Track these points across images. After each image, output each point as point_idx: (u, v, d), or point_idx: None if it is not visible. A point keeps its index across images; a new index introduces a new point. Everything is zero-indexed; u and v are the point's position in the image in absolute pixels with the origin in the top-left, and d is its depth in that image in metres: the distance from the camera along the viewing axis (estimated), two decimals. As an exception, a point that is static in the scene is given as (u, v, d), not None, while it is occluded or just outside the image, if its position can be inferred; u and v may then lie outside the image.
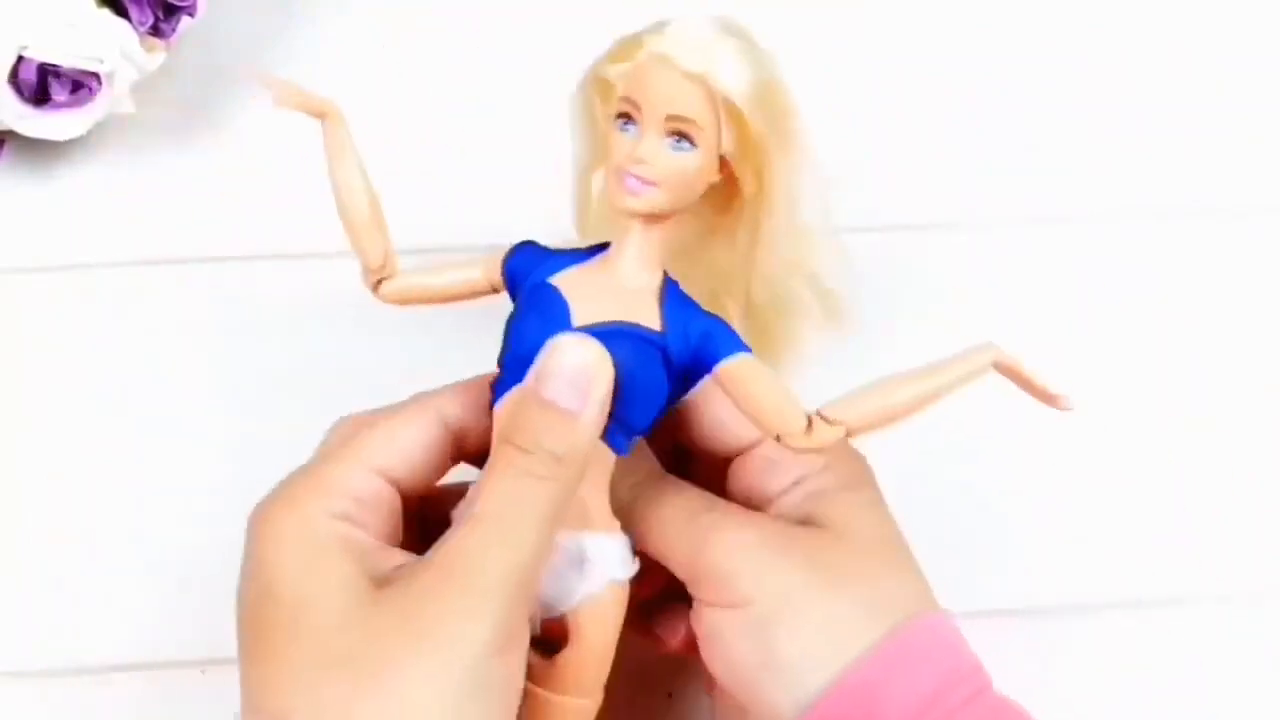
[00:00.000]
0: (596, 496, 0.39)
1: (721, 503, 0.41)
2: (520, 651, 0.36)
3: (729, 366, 0.39)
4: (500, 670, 0.35)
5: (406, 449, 0.40)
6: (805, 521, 0.40)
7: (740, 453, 0.42)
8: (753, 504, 0.42)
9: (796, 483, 0.41)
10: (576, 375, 0.37)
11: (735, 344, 0.39)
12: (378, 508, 0.38)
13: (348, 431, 0.40)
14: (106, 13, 0.53)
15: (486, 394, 0.40)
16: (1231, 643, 0.50)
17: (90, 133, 0.54)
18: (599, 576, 0.39)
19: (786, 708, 0.38)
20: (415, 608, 0.35)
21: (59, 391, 0.52)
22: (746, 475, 0.42)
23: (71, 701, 0.48)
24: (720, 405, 0.41)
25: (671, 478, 0.42)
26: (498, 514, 0.36)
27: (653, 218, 0.39)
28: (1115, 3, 0.61)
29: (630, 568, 0.40)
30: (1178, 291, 0.56)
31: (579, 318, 0.38)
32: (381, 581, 0.36)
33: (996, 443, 0.52)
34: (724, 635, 0.40)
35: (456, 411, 0.40)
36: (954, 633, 0.40)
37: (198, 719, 0.48)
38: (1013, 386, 0.52)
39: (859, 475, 0.42)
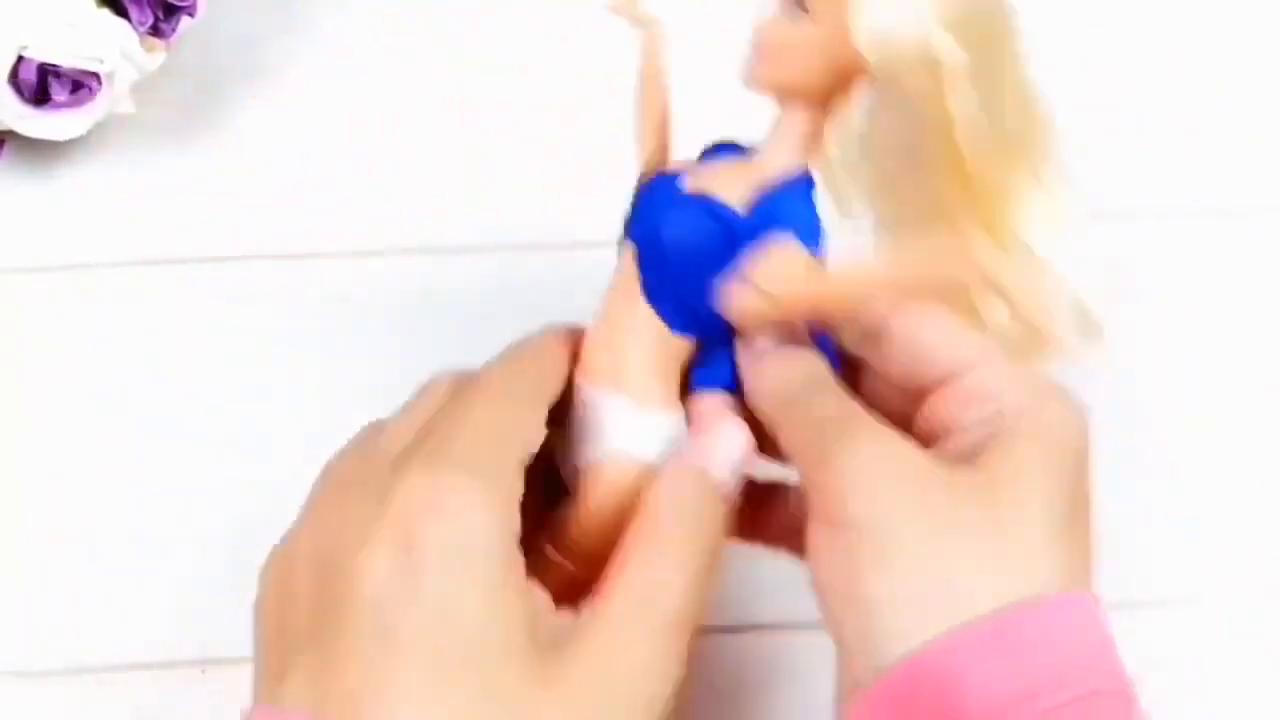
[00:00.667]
0: (641, 364, 0.38)
1: (863, 413, 0.36)
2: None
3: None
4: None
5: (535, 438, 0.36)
6: (970, 457, 0.35)
7: (938, 385, 0.37)
8: (936, 438, 0.37)
9: (987, 419, 0.36)
10: (737, 461, 0.37)
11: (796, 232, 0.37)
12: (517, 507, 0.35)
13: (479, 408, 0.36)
14: (106, 13, 0.53)
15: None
16: (1231, 643, 0.50)
17: (90, 133, 0.54)
18: (605, 442, 0.37)
19: (861, 660, 0.34)
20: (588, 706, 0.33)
21: (59, 391, 0.52)
22: (941, 409, 0.37)
23: (71, 701, 0.48)
24: (921, 329, 0.37)
25: (826, 381, 0.38)
26: (656, 601, 0.34)
27: (785, 98, 0.37)
28: (1115, 3, 0.61)
29: (650, 446, 0.38)
30: (1178, 291, 0.56)
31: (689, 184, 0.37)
32: (545, 641, 0.33)
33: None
34: (820, 554, 0.35)
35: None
36: (1084, 622, 0.34)
37: (197, 719, 0.48)
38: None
39: (1065, 432, 0.36)
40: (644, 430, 0.38)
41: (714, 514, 0.36)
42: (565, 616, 0.35)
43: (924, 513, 0.34)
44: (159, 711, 0.48)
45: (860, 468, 0.35)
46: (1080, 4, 0.61)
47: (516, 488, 0.34)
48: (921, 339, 0.37)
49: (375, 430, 0.38)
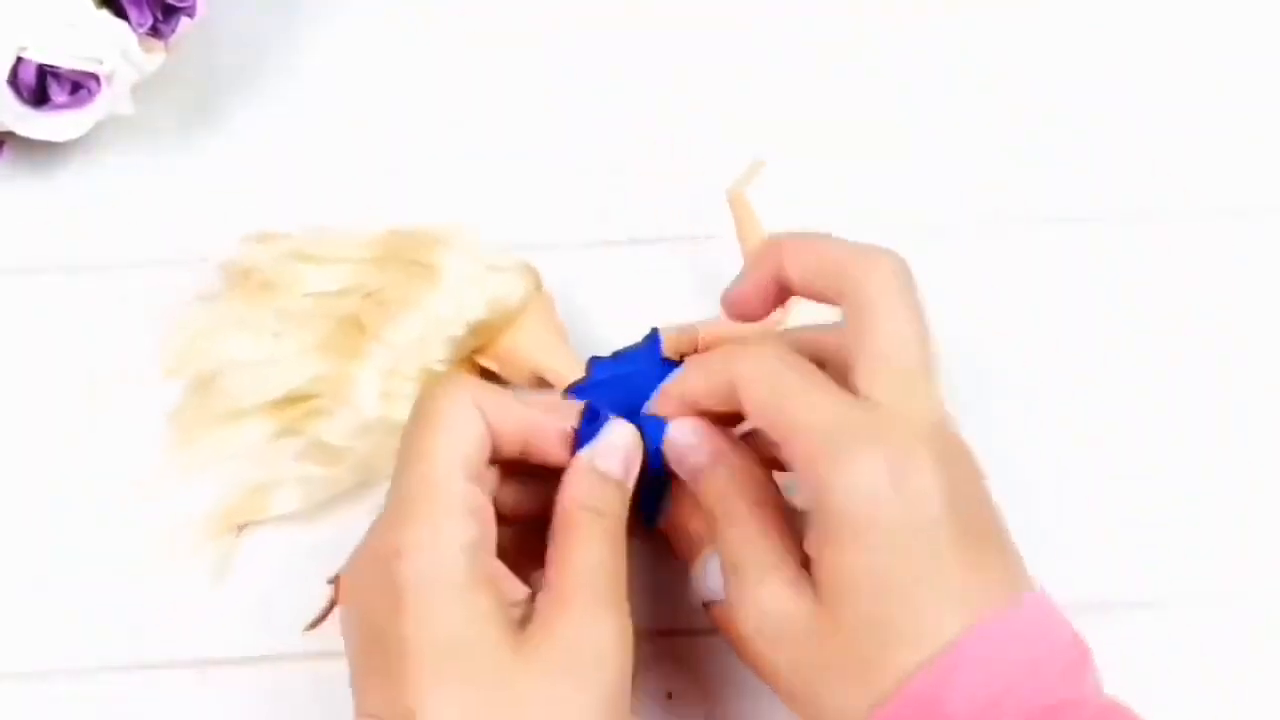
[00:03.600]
0: None
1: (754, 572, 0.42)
2: None
3: None
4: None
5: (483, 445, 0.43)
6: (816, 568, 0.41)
7: (779, 445, 0.43)
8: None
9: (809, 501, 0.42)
10: (621, 448, 0.44)
11: None
12: (487, 515, 0.42)
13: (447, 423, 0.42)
14: (106, 13, 0.52)
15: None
16: (1230, 643, 0.50)
17: (90, 133, 0.54)
18: None
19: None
20: (560, 666, 0.40)
21: (59, 392, 0.52)
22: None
23: (71, 701, 0.48)
24: (752, 389, 0.43)
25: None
26: (587, 572, 0.41)
27: None
28: (1116, 4, 0.61)
29: None
30: (1179, 291, 0.55)
31: None
32: (518, 621, 0.40)
33: (997, 442, 0.52)
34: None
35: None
36: (1031, 624, 0.40)
37: (197, 719, 0.48)
38: (1018, 395, 0.52)
39: (863, 510, 0.40)
40: None
41: (609, 496, 0.43)
42: (523, 591, 0.41)
43: (797, 653, 0.41)
44: (160, 711, 0.48)
45: (742, 620, 0.42)
46: (1081, 5, 0.61)
47: (459, 512, 0.41)
48: (748, 403, 0.42)
49: None
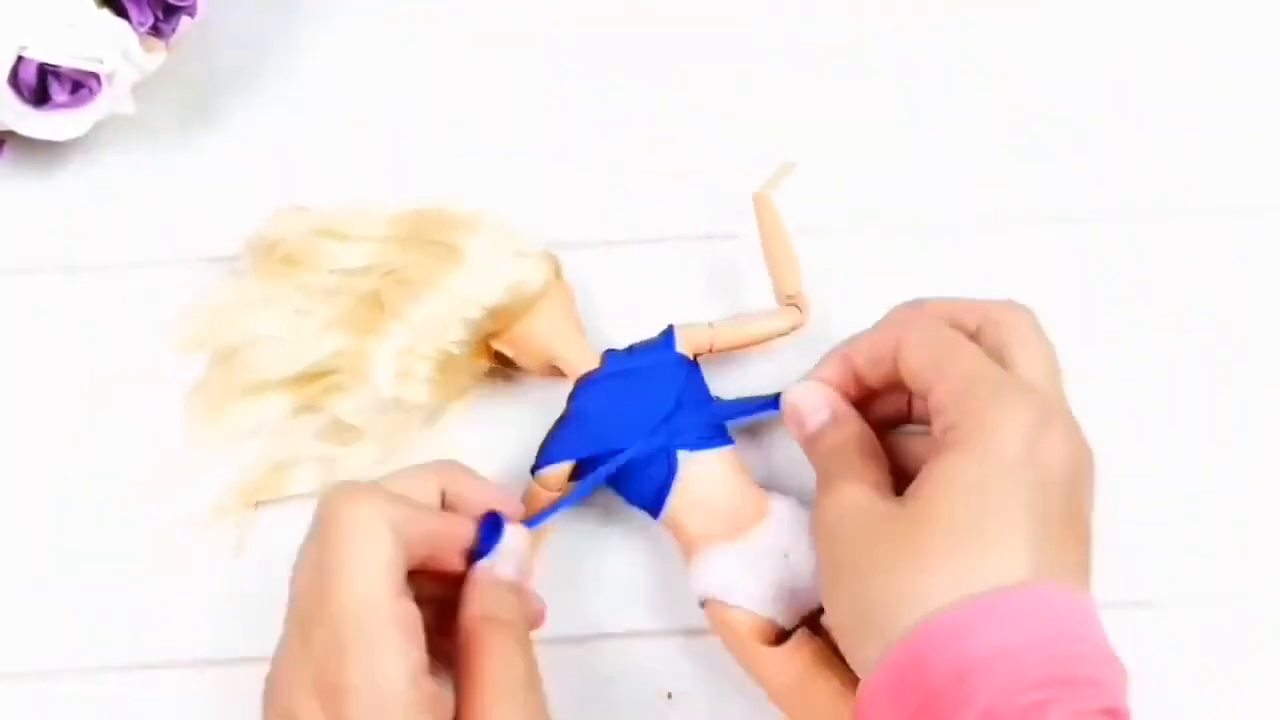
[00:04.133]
0: None
1: (849, 470, 0.45)
2: None
3: None
4: None
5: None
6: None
7: (924, 395, 0.45)
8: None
9: (941, 431, 0.44)
10: (514, 550, 0.45)
11: None
12: (419, 629, 0.41)
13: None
14: (106, 13, 0.53)
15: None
16: (1230, 643, 0.50)
17: (90, 133, 0.54)
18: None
19: (853, 656, 0.42)
20: None
21: (58, 392, 0.52)
22: (930, 415, 0.45)
23: (71, 701, 0.48)
24: (909, 350, 0.45)
25: (847, 444, 0.46)
26: (504, 672, 0.42)
27: None
28: (1114, 2, 0.61)
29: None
30: (1179, 290, 0.55)
31: None
32: None
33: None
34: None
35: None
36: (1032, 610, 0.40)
37: (197, 719, 0.48)
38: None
39: (989, 439, 0.42)
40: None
41: (509, 603, 0.44)
42: (450, 709, 0.41)
43: (867, 546, 0.42)
44: (159, 711, 0.48)
45: (824, 516, 0.44)
46: (1081, 5, 0.61)
47: (397, 638, 0.40)
48: (907, 359, 0.45)
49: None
